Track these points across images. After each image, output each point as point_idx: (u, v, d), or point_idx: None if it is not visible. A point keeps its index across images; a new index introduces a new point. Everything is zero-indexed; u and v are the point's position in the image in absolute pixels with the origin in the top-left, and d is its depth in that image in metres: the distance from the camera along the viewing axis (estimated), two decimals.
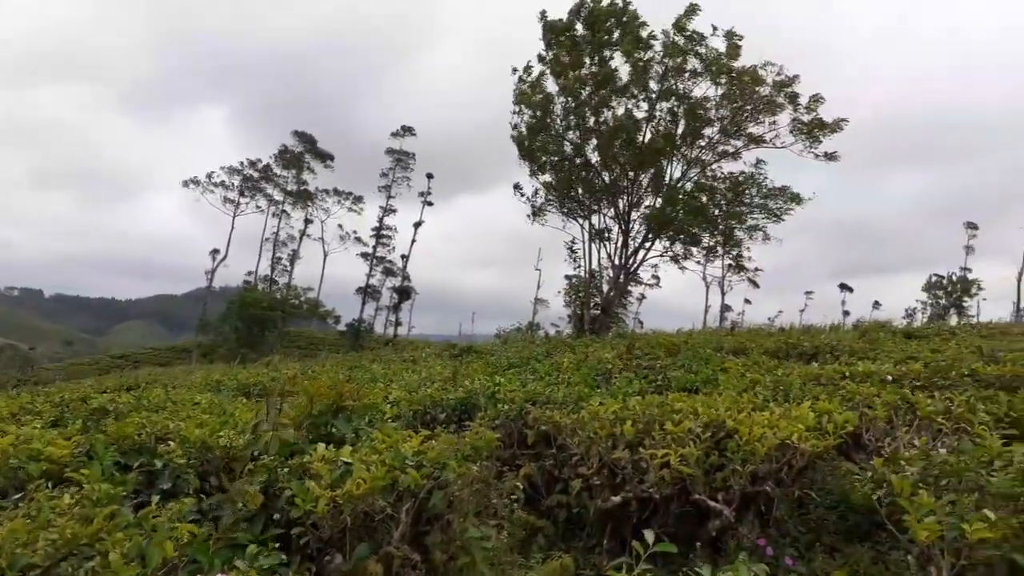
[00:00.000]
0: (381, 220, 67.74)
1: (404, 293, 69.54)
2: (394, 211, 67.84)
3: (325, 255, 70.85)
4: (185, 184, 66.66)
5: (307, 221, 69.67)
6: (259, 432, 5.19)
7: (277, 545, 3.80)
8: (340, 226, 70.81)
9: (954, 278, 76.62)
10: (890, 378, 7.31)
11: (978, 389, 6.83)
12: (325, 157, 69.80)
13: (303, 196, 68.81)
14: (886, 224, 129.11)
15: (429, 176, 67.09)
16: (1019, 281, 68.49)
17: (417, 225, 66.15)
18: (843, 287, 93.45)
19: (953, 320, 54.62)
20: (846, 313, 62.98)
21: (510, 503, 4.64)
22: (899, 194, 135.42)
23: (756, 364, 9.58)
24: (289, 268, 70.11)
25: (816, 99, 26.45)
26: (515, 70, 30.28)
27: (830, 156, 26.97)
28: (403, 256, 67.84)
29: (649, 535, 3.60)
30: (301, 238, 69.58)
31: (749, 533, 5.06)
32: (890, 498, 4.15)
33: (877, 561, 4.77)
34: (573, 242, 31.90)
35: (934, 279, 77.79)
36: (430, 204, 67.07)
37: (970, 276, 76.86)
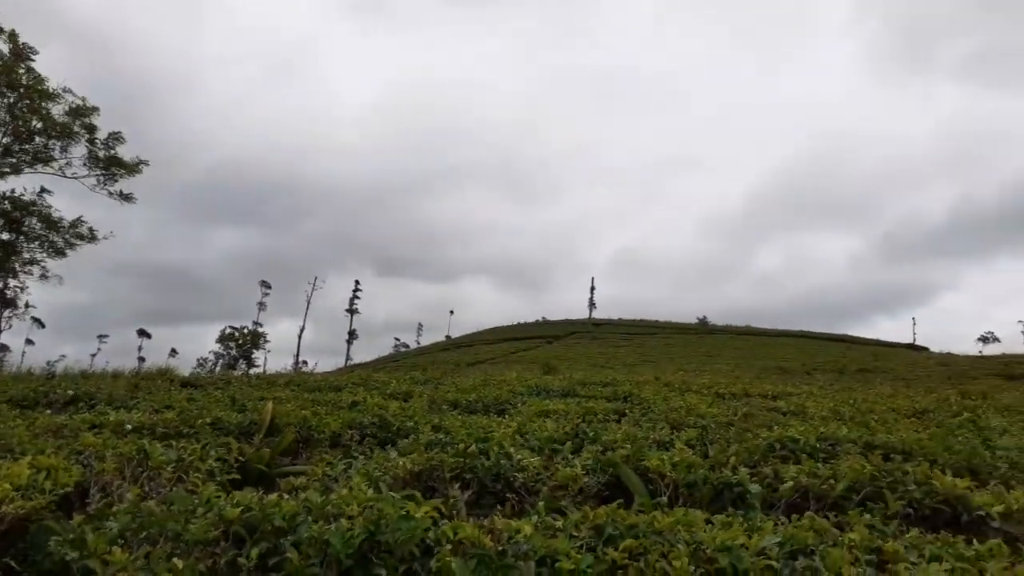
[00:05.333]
0: None
1: None
2: None
3: None
4: None
5: None
6: None
7: None
8: None
9: (247, 331, 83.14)
10: (129, 427, 7.10)
11: (216, 436, 7.17)
12: None
13: None
14: (205, 276, 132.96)
15: None
16: (299, 337, 78.77)
17: None
18: (142, 333, 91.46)
19: (242, 369, 58.88)
20: (142, 359, 61.54)
21: None
22: (221, 249, 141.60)
23: None
24: None
25: (116, 136, 25.35)
26: None
27: (125, 196, 26.02)
28: None
29: None
30: None
31: None
32: (86, 558, 3.83)
33: None
34: None
35: (228, 331, 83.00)
36: None
37: (261, 330, 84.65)
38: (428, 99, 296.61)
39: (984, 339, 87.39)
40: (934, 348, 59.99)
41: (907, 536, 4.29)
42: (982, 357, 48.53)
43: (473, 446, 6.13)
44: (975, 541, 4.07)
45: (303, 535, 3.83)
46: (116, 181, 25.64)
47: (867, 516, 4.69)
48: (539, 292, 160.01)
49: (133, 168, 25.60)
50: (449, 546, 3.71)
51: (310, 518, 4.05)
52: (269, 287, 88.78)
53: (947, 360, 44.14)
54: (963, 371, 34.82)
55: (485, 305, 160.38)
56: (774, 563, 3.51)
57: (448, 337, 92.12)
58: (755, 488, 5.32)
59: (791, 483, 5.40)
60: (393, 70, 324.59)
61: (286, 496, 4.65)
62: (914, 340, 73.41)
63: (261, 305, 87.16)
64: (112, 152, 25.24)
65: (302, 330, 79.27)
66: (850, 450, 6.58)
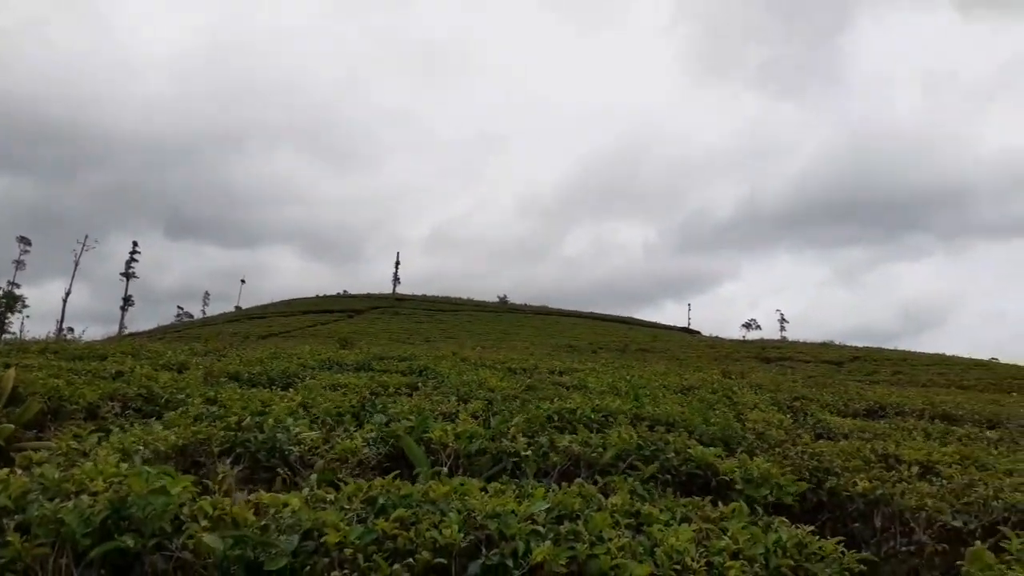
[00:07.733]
0: None
1: None
2: None
3: None
4: None
5: None
6: None
7: None
8: None
9: (1, 293, 73.70)
10: None
11: None
12: None
13: None
14: None
15: None
16: (64, 301, 71.02)
17: None
18: None
19: None
20: None
21: None
22: None
23: None
24: None
25: None
26: None
27: None
28: None
29: None
30: None
31: None
32: None
33: None
34: None
35: None
36: None
37: (18, 292, 75.26)
38: (242, 51, 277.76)
39: (747, 325, 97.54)
40: (706, 332, 66.13)
41: (662, 500, 4.63)
42: (744, 341, 54.35)
43: (248, 419, 5.79)
44: (720, 503, 4.47)
45: (33, 514, 3.39)
46: None
47: (631, 482, 5.00)
48: (350, 265, 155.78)
49: None
50: (206, 522, 3.45)
51: (42, 497, 3.59)
52: (29, 244, 79.00)
53: (715, 343, 48.85)
54: (728, 353, 38.66)
55: (288, 275, 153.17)
56: (540, 528, 3.62)
57: (238, 308, 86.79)
58: (530, 456, 5.49)
59: (563, 451, 5.65)
60: (205, 16, 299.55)
61: (19, 472, 4.09)
62: (688, 324, 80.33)
63: (19, 264, 77.46)
64: None
65: (67, 294, 71.56)
66: (621, 421, 7.01)
